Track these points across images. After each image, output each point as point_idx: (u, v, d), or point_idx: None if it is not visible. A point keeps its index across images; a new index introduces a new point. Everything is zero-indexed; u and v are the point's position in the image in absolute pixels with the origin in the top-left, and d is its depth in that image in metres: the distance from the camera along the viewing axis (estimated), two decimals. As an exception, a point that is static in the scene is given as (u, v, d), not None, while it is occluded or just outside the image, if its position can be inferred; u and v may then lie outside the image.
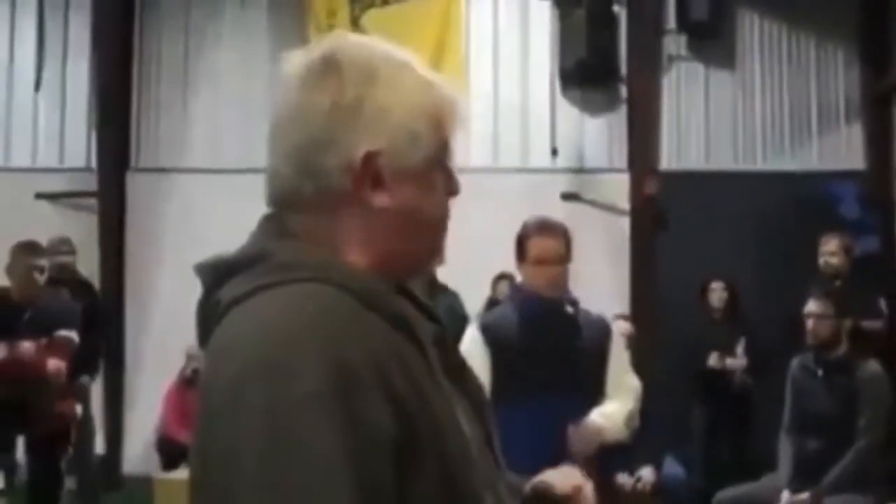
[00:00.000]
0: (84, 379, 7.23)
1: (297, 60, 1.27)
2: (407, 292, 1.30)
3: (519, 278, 4.03)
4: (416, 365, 1.16)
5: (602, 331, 3.85)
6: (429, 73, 1.29)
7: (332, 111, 1.20)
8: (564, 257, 3.72)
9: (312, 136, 1.21)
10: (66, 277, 7.32)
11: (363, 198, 1.21)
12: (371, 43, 1.29)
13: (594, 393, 3.69)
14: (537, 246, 3.70)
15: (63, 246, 7.47)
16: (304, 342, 1.08)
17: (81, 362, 6.83)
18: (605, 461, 3.70)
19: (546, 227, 3.75)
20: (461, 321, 5.56)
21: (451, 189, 1.30)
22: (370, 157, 1.21)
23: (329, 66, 1.23)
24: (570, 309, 3.79)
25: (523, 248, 3.73)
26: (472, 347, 3.52)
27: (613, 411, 3.68)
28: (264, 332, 1.11)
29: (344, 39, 1.28)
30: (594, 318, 3.88)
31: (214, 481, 1.09)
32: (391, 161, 1.21)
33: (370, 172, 1.21)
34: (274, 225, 1.27)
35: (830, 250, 6.75)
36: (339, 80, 1.21)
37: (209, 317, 1.22)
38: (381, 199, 1.22)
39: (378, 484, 1.07)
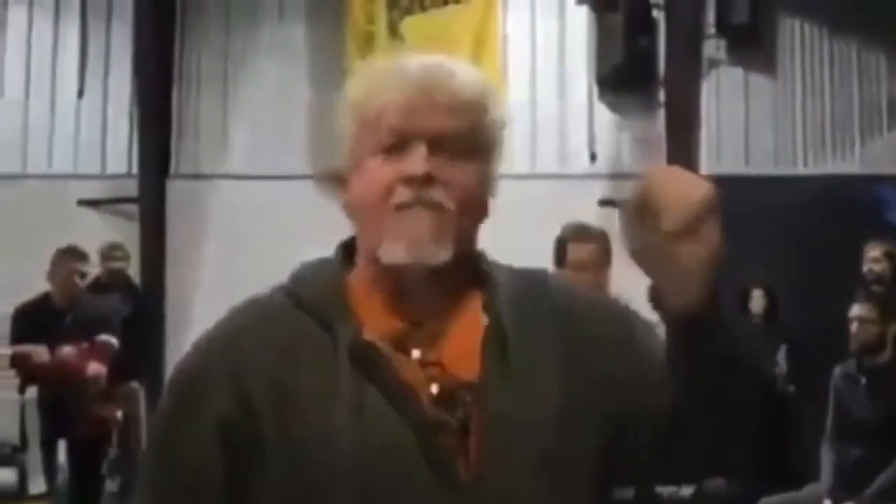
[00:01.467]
0: (134, 384, 7.30)
1: None
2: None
3: None
4: (316, 363, 1.23)
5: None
6: (383, 66, 1.31)
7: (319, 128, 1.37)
8: (603, 263, 3.68)
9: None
10: (118, 283, 7.38)
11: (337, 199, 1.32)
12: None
13: None
14: (575, 251, 3.67)
15: (116, 252, 7.52)
16: (199, 345, 1.33)
17: (131, 367, 6.90)
18: None
19: (584, 233, 3.72)
20: None
21: (401, 171, 1.25)
22: (329, 164, 1.33)
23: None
24: None
25: (561, 253, 3.70)
26: None
27: None
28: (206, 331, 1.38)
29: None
30: None
31: None
32: (338, 161, 1.31)
33: (332, 176, 1.32)
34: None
35: (874, 256, 6.65)
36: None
37: None
38: (340, 198, 1.32)
39: (189, 459, 1.23)
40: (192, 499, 1.23)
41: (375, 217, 1.25)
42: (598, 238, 3.72)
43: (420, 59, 1.30)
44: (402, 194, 1.23)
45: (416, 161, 1.23)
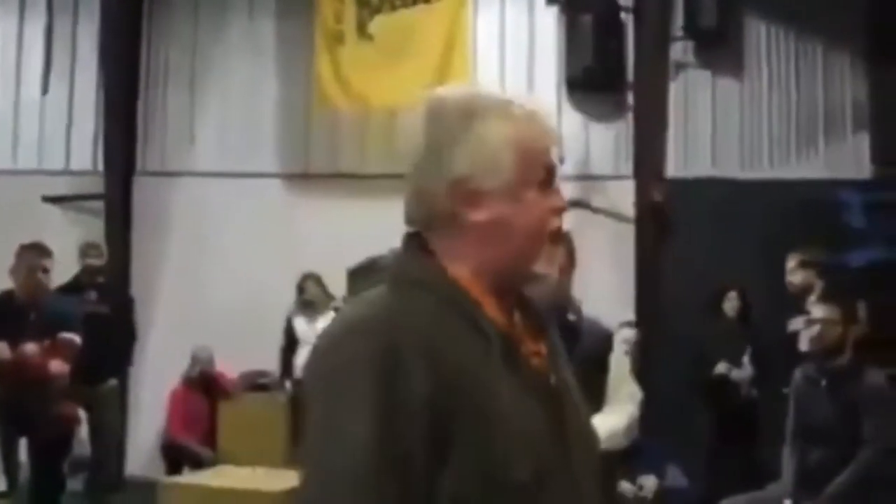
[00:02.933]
0: (109, 383, 7.27)
1: (418, 110, 1.53)
2: (522, 301, 1.58)
3: None
4: (478, 357, 1.39)
5: (603, 338, 3.84)
6: (527, 106, 1.53)
7: (434, 146, 1.47)
8: (567, 264, 3.69)
9: (420, 167, 1.48)
10: (94, 282, 7.36)
11: (460, 215, 1.46)
12: (475, 90, 1.57)
13: (594, 401, 3.67)
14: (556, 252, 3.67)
15: (91, 250, 7.53)
16: (368, 325, 1.39)
17: (106, 366, 6.87)
18: (605, 469, 3.66)
19: (562, 233, 3.72)
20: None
21: (552, 204, 1.52)
22: (459, 181, 1.45)
23: (433, 110, 1.50)
24: (571, 317, 3.77)
25: None
26: None
27: (613, 419, 3.66)
28: (344, 325, 1.44)
29: (452, 88, 1.59)
30: (596, 325, 3.87)
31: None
32: (481, 183, 1.46)
33: (463, 193, 1.45)
34: (405, 237, 1.53)
35: (790, 268, 6.73)
36: (439, 120, 1.48)
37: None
38: (475, 215, 1.46)
39: (405, 434, 1.31)
40: (406, 472, 1.31)
41: (531, 241, 1.50)
42: (564, 240, 3.72)
43: (542, 111, 1.56)
44: (556, 224, 1.54)
45: (562, 197, 1.54)
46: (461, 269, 1.47)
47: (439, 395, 1.32)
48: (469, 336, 1.41)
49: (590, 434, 1.61)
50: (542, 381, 1.51)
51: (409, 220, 1.53)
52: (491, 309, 1.47)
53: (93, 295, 7.12)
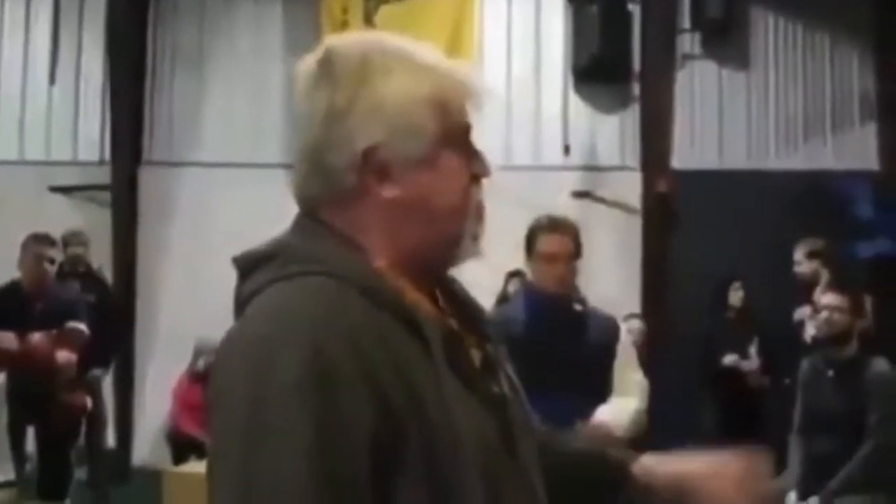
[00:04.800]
0: (96, 371, 7.25)
1: (303, 65, 1.29)
2: (445, 287, 1.35)
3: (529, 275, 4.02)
4: (415, 360, 1.18)
5: (609, 328, 3.84)
6: (432, 57, 1.30)
7: (329, 112, 1.23)
8: (573, 254, 3.69)
9: (316, 138, 1.24)
10: (78, 270, 7.33)
11: (371, 191, 1.23)
12: (369, 38, 1.31)
13: (600, 390, 3.67)
14: (546, 242, 3.68)
15: (74, 238, 7.48)
16: (291, 336, 1.12)
17: (94, 355, 6.85)
18: None
19: (555, 224, 3.73)
20: None
21: (476, 170, 1.30)
22: (369, 152, 1.22)
23: (324, 69, 1.26)
24: (577, 306, 3.77)
25: (532, 244, 3.71)
26: None
27: (619, 408, 3.66)
28: (259, 325, 1.16)
29: (341, 39, 1.31)
30: (602, 315, 3.87)
31: (210, 461, 1.15)
32: (394, 153, 1.23)
33: (373, 166, 1.23)
34: (300, 221, 1.30)
35: (797, 259, 6.71)
36: (332, 81, 1.24)
37: (238, 307, 1.26)
38: (389, 191, 1.23)
39: (346, 476, 1.09)
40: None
41: (454, 217, 1.28)
42: (568, 230, 3.73)
43: (459, 62, 1.36)
44: (477, 194, 1.30)
45: (485, 162, 1.31)
46: (376, 256, 1.24)
47: (382, 423, 1.12)
48: (404, 335, 1.18)
49: (532, 435, 1.37)
50: (485, 380, 1.30)
51: (303, 199, 1.29)
52: (422, 302, 1.26)
53: (76, 284, 7.07)
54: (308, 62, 1.28)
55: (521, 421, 1.33)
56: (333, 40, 1.30)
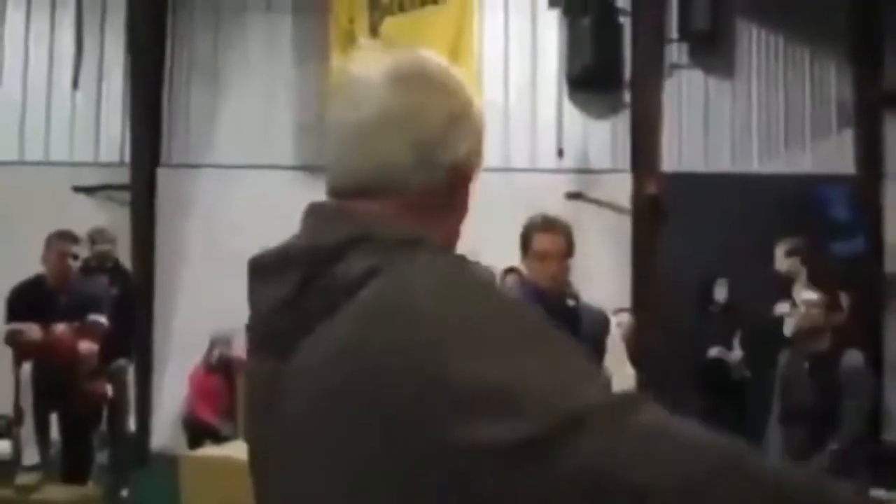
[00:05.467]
0: (122, 361, 7.28)
1: (377, 65, 1.28)
2: None
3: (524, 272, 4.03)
4: None
5: (600, 322, 3.85)
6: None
7: (450, 116, 1.26)
8: (566, 252, 3.70)
9: (433, 135, 1.24)
10: (105, 266, 7.36)
11: (455, 192, 1.28)
12: (441, 61, 1.35)
13: None
14: (540, 241, 3.68)
15: (101, 236, 7.50)
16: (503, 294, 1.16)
17: (119, 346, 6.88)
18: None
19: (549, 224, 3.73)
20: None
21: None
22: (465, 159, 1.27)
23: (430, 76, 1.29)
24: (569, 301, 3.78)
25: (527, 243, 3.72)
26: None
27: None
28: (460, 295, 1.09)
29: (417, 54, 1.33)
30: (593, 310, 3.88)
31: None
32: (474, 168, 1.29)
33: (463, 172, 1.27)
34: (361, 208, 1.24)
35: (778, 257, 6.72)
36: (446, 90, 1.28)
37: (343, 290, 1.14)
38: (461, 195, 1.29)
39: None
40: None
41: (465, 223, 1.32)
42: (562, 229, 3.73)
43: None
44: None
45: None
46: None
47: None
48: None
49: None
50: None
51: (385, 186, 1.24)
52: None
53: (104, 279, 7.10)
54: (388, 65, 1.28)
55: None
56: (410, 54, 1.33)
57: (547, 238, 3.68)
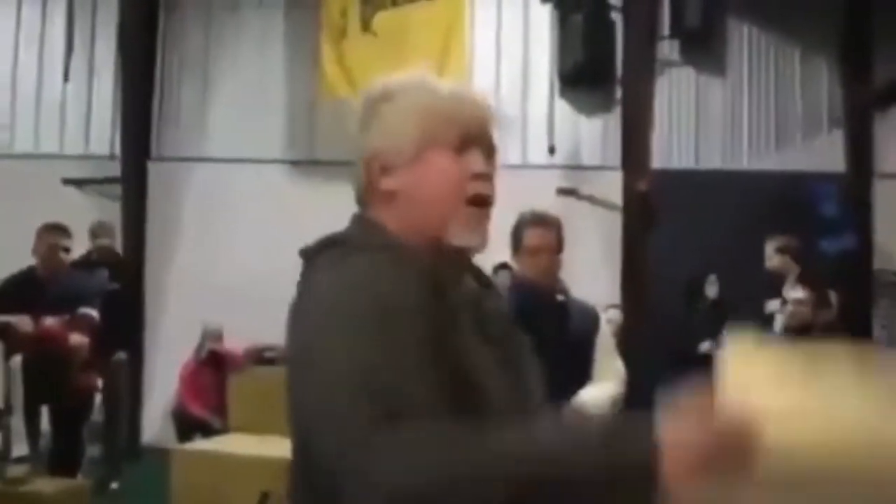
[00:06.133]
0: (121, 355, 7.29)
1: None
2: (464, 263, 1.54)
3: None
4: (441, 310, 1.36)
5: (590, 318, 3.86)
6: (445, 85, 1.51)
7: (357, 131, 1.51)
8: (556, 248, 3.71)
9: (355, 148, 1.51)
10: (106, 259, 7.38)
11: (376, 187, 1.47)
12: (401, 78, 1.54)
13: (581, 376, 3.70)
14: (531, 236, 3.69)
15: (102, 230, 7.53)
16: (359, 287, 1.33)
17: (117, 339, 6.90)
18: None
19: (539, 219, 3.74)
20: None
21: (468, 169, 1.45)
22: (374, 156, 1.48)
23: (362, 102, 1.54)
24: (560, 296, 3.80)
25: (518, 238, 3.73)
26: None
27: (599, 394, 3.68)
28: (333, 281, 1.37)
29: (382, 79, 1.55)
30: (583, 305, 3.89)
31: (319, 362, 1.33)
32: (388, 154, 1.47)
33: (376, 166, 1.47)
34: (352, 218, 1.52)
35: (767, 254, 6.75)
36: (363, 107, 1.52)
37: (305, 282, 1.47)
38: (385, 184, 1.46)
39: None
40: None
41: (444, 205, 1.44)
42: (552, 224, 3.75)
43: (467, 87, 1.56)
44: (475, 188, 1.45)
45: (481, 162, 1.47)
46: (400, 235, 1.45)
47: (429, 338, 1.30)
48: (427, 290, 1.36)
49: (541, 399, 1.55)
50: (501, 342, 1.47)
51: (355, 197, 1.54)
52: (443, 269, 1.44)
53: (104, 273, 7.12)
54: (360, 97, 1.55)
55: (534, 382, 1.53)
56: (382, 79, 1.55)
57: (538, 233, 3.69)
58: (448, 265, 1.46)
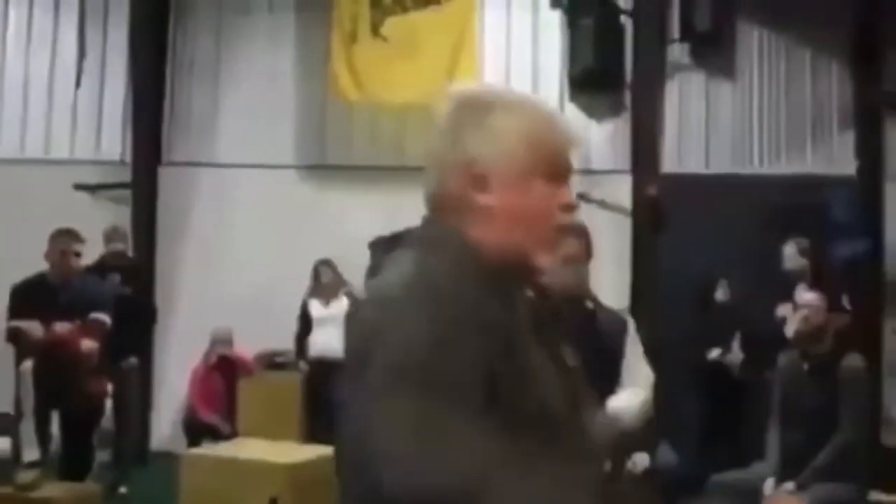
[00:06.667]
0: (132, 360, 7.31)
1: (445, 102, 1.57)
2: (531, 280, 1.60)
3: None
4: (510, 317, 1.44)
5: (619, 325, 3.90)
6: (545, 109, 1.56)
7: (452, 130, 1.50)
8: (586, 256, 3.76)
9: (438, 149, 1.51)
10: (119, 264, 7.41)
11: (469, 196, 1.47)
12: (495, 88, 1.65)
13: (611, 383, 3.71)
14: (565, 245, 3.74)
15: (115, 235, 7.55)
16: (420, 293, 1.38)
17: (129, 344, 6.92)
18: (621, 445, 3.74)
19: (570, 228, 3.78)
20: None
21: (560, 200, 1.54)
22: (471, 162, 1.48)
23: (454, 105, 1.53)
24: (589, 304, 3.83)
25: None
26: None
27: (629, 400, 3.69)
28: (409, 281, 1.41)
29: (475, 86, 1.67)
30: (611, 312, 3.94)
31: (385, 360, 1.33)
32: (490, 167, 1.48)
33: (472, 175, 1.47)
34: (424, 219, 1.54)
35: (788, 255, 6.90)
36: (458, 113, 1.51)
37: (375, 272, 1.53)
38: (483, 199, 1.47)
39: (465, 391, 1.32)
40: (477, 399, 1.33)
41: (540, 231, 1.51)
42: (582, 233, 3.80)
43: (561, 114, 1.65)
44: (565, 218, 1.55)
45: (572, 194, 1.56)
46: (485, 248, 1.49)
47: (491, 351, 1.36)
48: (499, 299, 1.44)
49: (592, 411, 1.63)
50: (557, 350, 1.56)
51: (427, 199, 1.54)
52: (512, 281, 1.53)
53: (117, 278, 7.16)
54: (443, 103, 1.55)
55: (584, 391, 1.59)
56: (467, 86, 1.63)
57: (569, 242, 3.73)
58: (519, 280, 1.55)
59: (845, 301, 6.68)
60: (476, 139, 1.48)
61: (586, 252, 3.75)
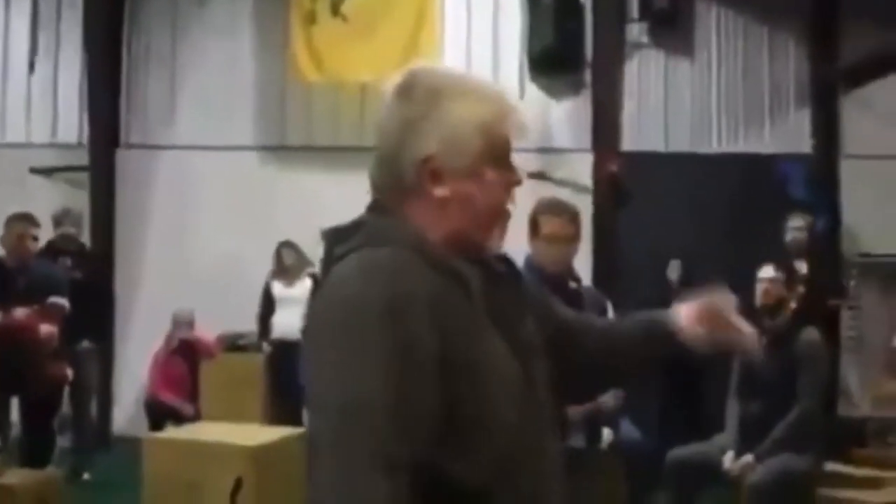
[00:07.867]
0: (86, 344, 7.22)
1: (389, 84, 1.55)
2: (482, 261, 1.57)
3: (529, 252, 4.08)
4: (461, 305, 1.42)
5: (599, 304, 3.97)
6: (493, 90, 1.57)
7: (405, 121, 1.49)
8: (573, 237, 3.79)
9: (391, 140, 1.50)
10: (70, 248, 7.30)
11: (424, 189, 1.49)
12: (444, 70, 1.60)
13: None
14: (549, 224, 3.77)
15: (66, 218, 7.42)
16: (373, 286, 1.37)
17: (82, 329, 6.83)
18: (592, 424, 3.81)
19: (558, 208, 3.84)
20: None
21: (510, 180, 1.54)
22: (428, 160, 1.48)
23: (404, 90, 1.51)
24: (573, 285, 3.87)
25: (536, 225, 3.79)
26: None
27: None
28: (350, 279, 1.41)
29: (423, 67, 1.57)
30: (593, 293, 4.00)
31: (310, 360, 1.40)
32: (445, 162, 1.49)
33: (429, 170, 1.48)
34: (373, 205, 1.55)
35: (798, 226, 7.27)
36: (410, 100, 1.50)
37: (327, 267, 1.50)
38: (438, 191, 1.49)
39: (416, 384, 1.33)
40: (417, 408, 1.33)
41: (493, 218, 1.54)
42: (571, 213, 3.84)
43: (508, 92, 1.62)
44: (511, 198, 1.56)
45: (518, 173, 1.56)
46: (433, 232, 1.49)
47: (442, 346, 1.35)
48: (451, 287, 1.43)
49: (547, 383, 1.60)
50: (516, 326, 1.53)
51: (375, 187, 1.54)
52: (462, 264, 1.50)
53: (68, 261, 7.05)
54: (392, 82, 1.53)
55: (540, 366, 1.55)
56: (416, 67, 1.56)
57: (556, 222, 3.77)
58: (471, 262, 1.52)
59: (802, 277, 6.77)
60: (430, 133, 1.48)
61: (574, 233, 3.80)
